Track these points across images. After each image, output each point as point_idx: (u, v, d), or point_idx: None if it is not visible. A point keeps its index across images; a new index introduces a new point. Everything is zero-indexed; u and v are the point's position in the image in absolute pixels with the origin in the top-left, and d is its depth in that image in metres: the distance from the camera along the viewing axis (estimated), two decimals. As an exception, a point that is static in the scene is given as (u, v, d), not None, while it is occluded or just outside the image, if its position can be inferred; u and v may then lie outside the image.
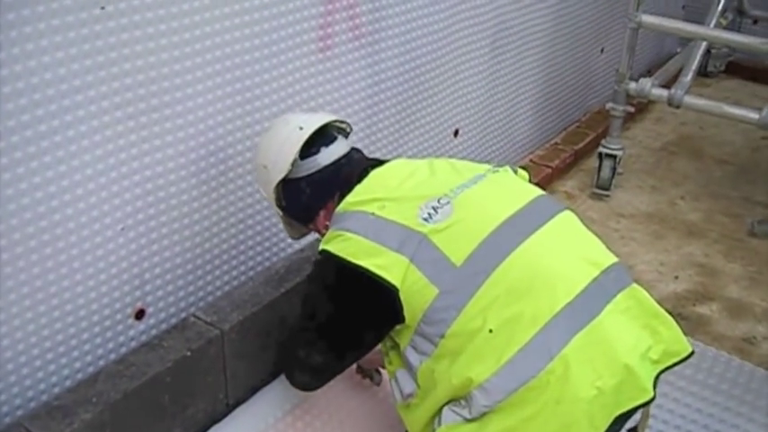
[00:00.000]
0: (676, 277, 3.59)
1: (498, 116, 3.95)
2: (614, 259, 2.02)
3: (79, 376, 2.27)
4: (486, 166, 2.19)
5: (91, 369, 2.29)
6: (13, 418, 2.12)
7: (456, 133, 3.66)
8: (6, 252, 1.99)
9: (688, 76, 4.07)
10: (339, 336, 2.10)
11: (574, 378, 1.78)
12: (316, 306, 2.12)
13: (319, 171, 2.20)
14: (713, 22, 4.40)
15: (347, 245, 1.97)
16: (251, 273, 2.72)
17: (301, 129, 2.20)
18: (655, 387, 1.87)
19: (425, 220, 1.95)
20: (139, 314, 2.40)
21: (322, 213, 2.24)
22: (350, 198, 2.08)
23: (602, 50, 4.92)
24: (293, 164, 2.18)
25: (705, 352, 2.98)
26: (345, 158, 2.24)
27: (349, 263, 1.95)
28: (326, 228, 2.19)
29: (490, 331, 1.84)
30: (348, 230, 1.99)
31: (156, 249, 2.38)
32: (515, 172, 2.26)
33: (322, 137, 2.22)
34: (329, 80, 2.79)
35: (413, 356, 1.99)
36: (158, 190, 2.32)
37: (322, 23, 2.68)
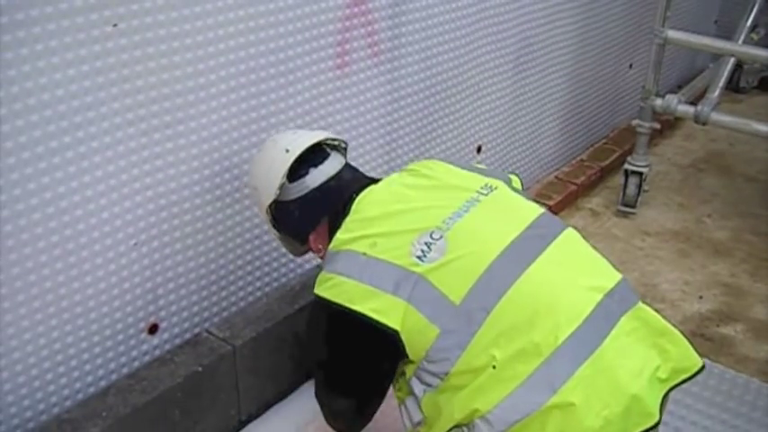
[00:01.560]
0: (701, 297, 3.54)
1: (522, 132, 3.93)
2: (618, 278, 1.98)
3: (91, 390, 2.28)
4: (479, 181, 2.12)
5: (103, 383, 2.30)
6: (24, 431, 2.13)
7: (479, 149, 3.65)
8: (17, 266, 2.00)
9: (715, 93, 4.03)
10: (349, 382, 2.08)
11: (579, 410, 1.75)
12: (320, 354, 2.11)
13: (308, 194, 2.18)
14: (742, 37, 4.35)
15: (341, 290, 1.93)
16: (266, 289, 2.73)
17: (287, 151, 2.17)
18: (664, 405, 1.84)
19: (419, 258, 1.90)
20: (153, 329, 2.41)
21: (312, 237, 2.23)
22: (340, 235, 2.03)
23: (630, 66, 4.89)
24: (281, 188, 2.16)
25: (724, 374, 2.93)
26: (335, 180, 2.20)
27: (345, 308, 1.91)
28: (320, 251, 2.19)
29: (494, 367, 1.81)
30: (341, 274, 1.95)
31: (170, 264, 2.39)
32: (509, 182, 2.19)
33: (313, 155, 2.20)
34: (347, 97, 2.79)
35: (417, 387, 1.97)
36: (172, 206, 2.33)
37: (339, 40, 2.68)
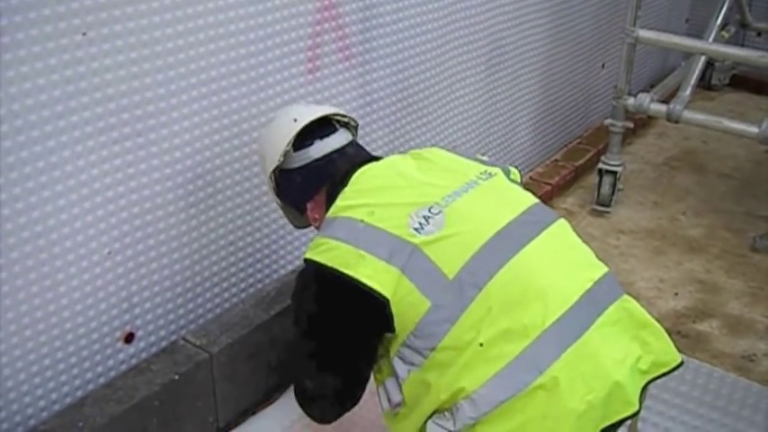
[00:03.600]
0: (676, 294, 3.56)
1: (496, 134, 3.95)
2: (605, 269, 2.01)
3: (68, 401, 2.26)
4: (479, 168, 2.15)
5: (80, 393, 2.29)
6: (0, 443, 2.12)
7: (453, 152, 3.65)
8: (-10, 278, 2.00)
9: (687, 91, 4.06)
10: (335, 355, 2.03)
11: (564, 392, 1.77)
12: (304, 325, 2.06)
13: (310, 164, 2.21)
14: (712, 35, 4.39)
15: (336, 254, 1.92)
16: (242, 295, 2.72)
17: (295, 121, 2.22)
18: (642, 397, 1.88)
19: (416, 230, 1.91)
20: (129, 338, 2.40)
21: (309, 206, 2.25)
22: (339, 202, 2.05)
23: (603, 66, 4.91)
24: (285, 155, 2.20)
25: (700, 368, 2.96)
26: (338, 153, 2.23)
27: (336, 272, 1.90)
28: (316, 220, 2.21)
29: (481, 345, 1.83)
30: (336, 238, 1.94)
31: (145, 273, 2.38)
32: (508, 173, 2.22)
33: (320, 128, 2.24)
34: (319, 101, 2.78)
35: (400, 367, 1.96)
36: (145, 213, 2.32)
37: (310, 45, 2.68)
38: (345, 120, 2.33)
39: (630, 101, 4.04)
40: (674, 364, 1.96)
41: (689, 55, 4.45)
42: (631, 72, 4.04)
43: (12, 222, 2.00)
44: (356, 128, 2.37)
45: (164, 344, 2.48)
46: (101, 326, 2.31)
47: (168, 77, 2.26)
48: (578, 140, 4.85)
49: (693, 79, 4.15)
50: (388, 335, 1.96)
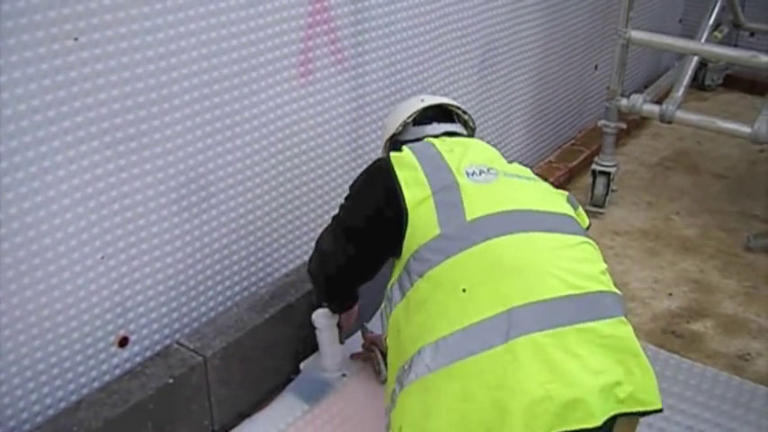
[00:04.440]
0: (670, 294, 3.57)
1: (489, 136, 3.95)
2: (616, 290, 2.01)
3: (62, 405, 2.26)
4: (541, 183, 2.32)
5: (74, 398, 2.29)
6: (-5, 448, 2.13)
7: (446, 154, 3.65)
8: (-17, 283, 2.00)
9: (679, 92, 4.07)
10: (344, 217, 2.31)
11: (524, 368, 1.75)
12: (349, 189, 2.38)
13: (422, 138, 2.41)
14: (704, 36, 4.40)
15: (401, 155, 2.22)
16: (235, 299, 2.72)
17: (422, 101, 2.53)
18: (609, 427, 1.79)
19: (468, 174, 2.12)
20: (123, 342, 2.40)
21: None
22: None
23: (596, 67, 4.92)
24: (403, 125, 2.48)
25: (692, 368, 2.96)
26: (448, 135, 2.43)
27: (389, 163, 2.19)
28: None
29: (463, 290, 1.89)
30: (412, 149, 2.23)
31: (138, 277, 2.39)
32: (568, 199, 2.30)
33: (442, 115, 2.51)
34: (311, 105, 2.79)
35: (396, 295, 2.07)
36: (138, 218, 2.33)
37: (303, 48, 2.69)
38: (466, 118, 2.57)
39: (623, 102, 4.05)
40: (651, 408, 1.87)
41: (682, 56, 4.46)
42: (624, 73, 4.05)
43: (5, 227, 2.00)
44: (474, 129, 2.62)
45: (158, 348, 2.48)
46: (95, 330, 2.31)
47: (160, 82, 2.26)
48: (572, 141, 4.86)
49: (686, 80, 4.15)
50: (393, 259, 2.14)
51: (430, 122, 2.47)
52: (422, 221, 2.04)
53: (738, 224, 4.16)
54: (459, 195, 2.05)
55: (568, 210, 2.18)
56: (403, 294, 2.04)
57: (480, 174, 2.13)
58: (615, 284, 2.05)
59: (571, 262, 1.99)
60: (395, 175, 2.14)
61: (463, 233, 1.98)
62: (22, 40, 1.91)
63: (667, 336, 3.25)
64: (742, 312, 3.46)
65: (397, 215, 2.08)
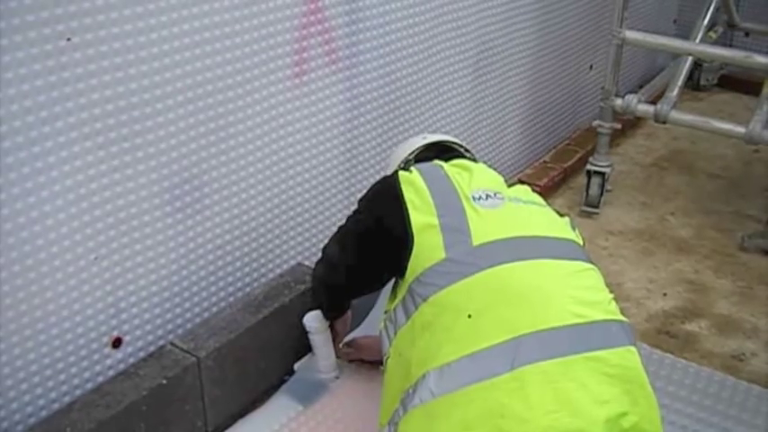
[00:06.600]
0: (665, 294, 3.57)
1: (484, 136, 3.95)
2: (623, 318, 2.01)
3: (55, 406, 2.25)
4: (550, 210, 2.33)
5: (67, 399, 2.28)
6: (-13, 450, 2.12)
7: (441, 154, 3.65)
8: (-25, 284, 1.99)
9: (674, 92, 4.06)
10: (352, 229, 2.36)
11: (530, 398, 1.75)
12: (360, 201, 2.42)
13: None
14: (699, 36, 4.40)
15: (409, 175, 2.23)
16: (229, 299, 2.72)
17: (424, 138, 2.64)
18: None
19: (474, 199, 2.12)
20: (116, 343, 2.39)
21: None
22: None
23: (591, 67, 4.92)
24: (405, 162, 2.53)
25: (687, 368, 2.96)
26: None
27: (397, 183, 2.21)
28: None
29: (469, 316, 1.88)
30: (420, 171, 2.25)
31: (132, 277, 2.38)
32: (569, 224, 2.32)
33: (444, 152, 2.52)
34: (306, 105, 2.79)
35: (400, 317, 2.07)
36: (131, 219, 2.32)
37: (297, 48, 2.68)
38: (468, 156, 2.57)
39: (618, 102, 4.05)
40: None
41: (677, 56, 4.46)
42: (618, 73, 4.05)
43: (-3, 228, 2.00)
44: (474, 161, 2.56)
45: (151, 348, 2.47)
46: (88, 331, 2.30)
47: (153, 82, 2.26)
48: (567, 142, 4.85)
49: (680, 80, 4.15)
50: (398, 280, 2.14)
51: (432, 159, 2.45)
52: (427, 244, 2.04)
53: (733, 224, 4.16)
54: (465, 220, 2.06)
55: (572, 235, 2.21)
56: (408, 317, 2.03)
57: (487, 198, 2.13)
58: (621, 312, 2.07)
59: (578, 290, 1.98)
60: (402, 196, 2.16)
61: (469, 258, 1.98)
62: (14, 41, 1.91)
63: (662, 336, 3.25)
64: (736, 312, 3.46)
65: (402, 236, 2.09)
